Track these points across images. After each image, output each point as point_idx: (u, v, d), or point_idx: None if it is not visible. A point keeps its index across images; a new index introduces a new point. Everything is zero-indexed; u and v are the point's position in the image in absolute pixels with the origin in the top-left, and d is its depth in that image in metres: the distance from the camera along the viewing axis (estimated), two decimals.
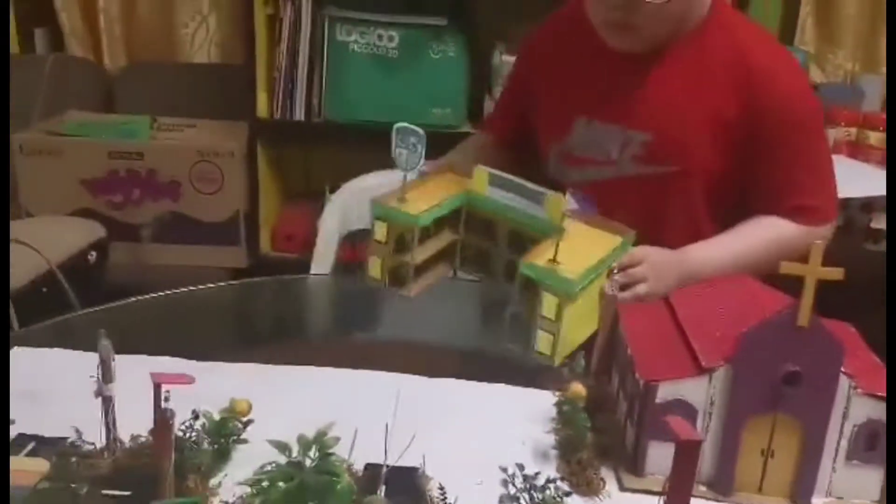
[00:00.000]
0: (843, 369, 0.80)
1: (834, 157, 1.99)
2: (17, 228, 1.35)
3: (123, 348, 0.94)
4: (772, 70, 1.23)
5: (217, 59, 2.38)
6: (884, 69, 2.21)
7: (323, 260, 1.78)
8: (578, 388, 0.87)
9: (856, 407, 0.81)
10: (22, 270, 1.32)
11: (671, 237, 1.23)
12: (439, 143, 2.03)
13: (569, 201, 0.97)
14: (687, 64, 1.25)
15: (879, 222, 1.71)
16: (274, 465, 0.63)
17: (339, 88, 2.04)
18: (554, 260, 0.93)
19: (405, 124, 1.00)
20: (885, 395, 0.81)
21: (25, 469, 0.60)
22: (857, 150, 2.01)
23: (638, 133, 1.27)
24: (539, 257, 0.94)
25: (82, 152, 2.02)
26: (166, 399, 0.67)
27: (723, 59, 1.24)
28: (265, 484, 0.59)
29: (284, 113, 2.04)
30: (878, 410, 0.81)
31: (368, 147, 2.10)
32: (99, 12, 2.33)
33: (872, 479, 0.83)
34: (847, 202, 1.69)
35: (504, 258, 1.07)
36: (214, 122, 2.26)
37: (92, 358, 0.96)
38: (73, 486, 0.68)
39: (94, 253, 1.58)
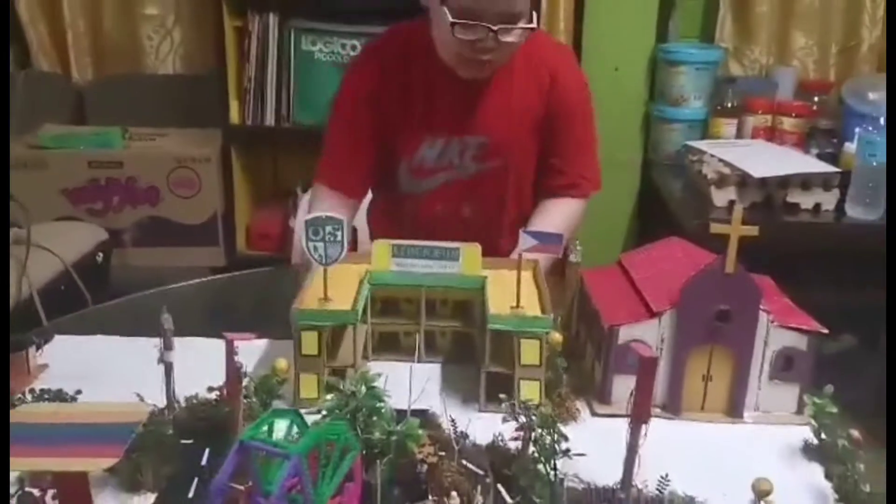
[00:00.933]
0: (762, 307, 1.01)
1: (754, 140, 2.24)
2: (34, 233, 1.46)
3: (139, 333, 1.08)
4: (559, 70, 1.47)
5: (181, 70, 2.49)
6: (794, 61, 2.46)
7: (302, 252, 1.92)
8: (556, 337, 1.05)
9: (773, 336, 1.02)
10: (44, 271, 1.44)
11: (507, 217, 1.50)
12: None
13: (525, 240, 0.98)
14: (506, 75, 1.44)
15: (794, 197, 1.95)
16: (332, 396, 0.79)
17: (307, 95, 2.19)
18: (518, 305, 0.99)
19: (317, 214, 0.94)
20: (795, 326, 1.02)
21: (133, 410, 0.74)
22: (773, 134, 2.26)
23: (475, 138, 1.46)
24: (500, 308, 0.98)
25: (64, 163, 2.13)
26: (236, 352, 0.82)
27: (529, 67, 1.45)
28: (330, 406, 0.76)
29: (256, 119, 2.18)
30: (791, 339, 1.03)
31: None
32: (66, 28, 2.41)
33: (790, 394, 1.04)
34: (766, 180, 1.92)
35: (438, 327, 1.08)
36: (184, 130, 2.38)
37: (121, 341, 1.11)
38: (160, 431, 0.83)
39: (101, 254, 1.70)
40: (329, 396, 0.80)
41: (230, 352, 0.81)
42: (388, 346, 1.12)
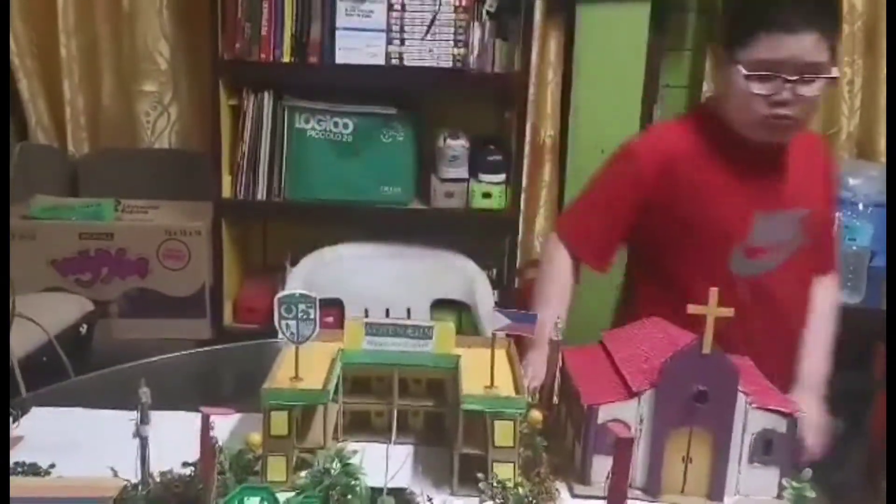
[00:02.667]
0: (739, 388, 1.01)
1: None
2: (19, 303, 1.47)
3: (119, 406, 1.07)
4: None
5: (176, 145, 2.54)
6: None
7: None
8: (535, 415, 1.05)
9: (752, 419, 1.02)
10: (26, 341, 1.44)
11: (804, 294, 1.47)
12: (389, 218, 2.26)
13: (497, 320, 0.98)
14: (798, 141, 1.41)
15: None
16: (305, 474, 0.79)
17: (299, 170, 2.23)
18: (492, 385, 0.99)
19: (288, 292, 0.92)
20: (775, 408, 1.03)
21: (104, 485, 0.74)
22: None
23: (800, 211, 1.41)
24: (474, 388, 0.97)
25: (54, 234, 2.14)
26: (212, 427, 0.82)
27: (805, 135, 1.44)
28: (303, 484, 0.75)
29: (247, 194, 2.21)
30: (770, 421, 1.03)
31: (324, 223, 2.31)
32: (65, 104, 2.47)
33: (771, 477, 1.03)
34: None
35: (410, 407, 1.07)
36: (175, 202, 2.41)
37: (100, 414, 1.10)
38: None
39: (85, 325, 1.70)
40: (302, 473, 0.79)
41: (205, 427, 0.81)
42: (358, 426, 1.10)
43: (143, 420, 0.92)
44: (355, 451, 0.80)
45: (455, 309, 2.28)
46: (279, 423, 0.92)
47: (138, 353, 1.52)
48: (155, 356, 1.50)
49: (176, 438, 0.92)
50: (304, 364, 0.99)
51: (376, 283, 2.25)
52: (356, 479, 0.77)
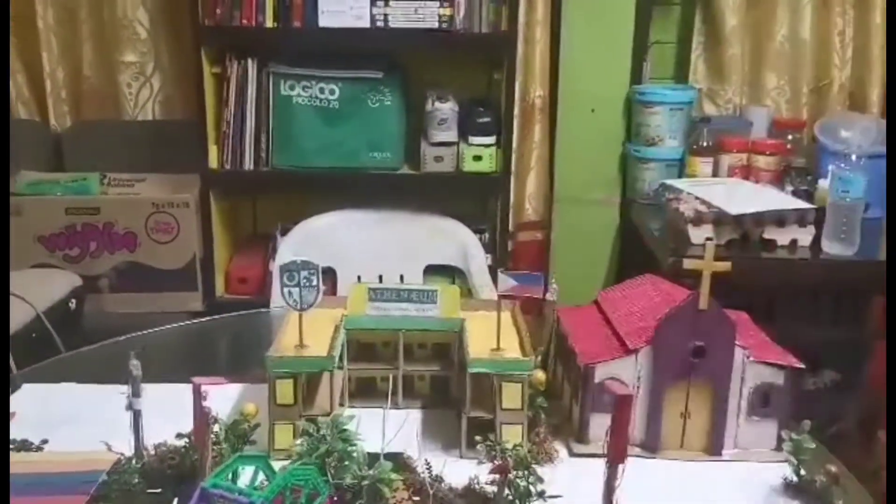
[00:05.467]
0: (737, 342, 1.00)
1: (729, 179, 2.27)
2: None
3: (111, 381, 1.06)
4: None
5: (160, 116, 2.50)
6: (767, 101, 2.51)
7: None
8: (539, 375, 1.03)
9: (750, 372, 1.01)
10: (15, 318, 1.42)
11: None
12: (380, 184, 2.24)
13: (504, 281, 0.97)
14: None
15: (770, 234, 1.96)
16: (301, 441, 0.78)
17: (286, 138, 2.20)
18: (498, 348, 0.98)
19: (291, 259, 0.91)
20: (773, 361, 1.02)
21: (97, 459, 0.72)
22: (748, 172, 2.29)
23: None
24: (480, 351, 0.96)
25: (40, 210, 2.11)
26: (205, 397, 0.81)
27: None
28: (300, 451, 0.74)
29: (234, 164, 2.18)
30: (768, 375, 1.02)
31: (313, 191, 2.29)
32: (45, 78, 2.42)
33: (769, 430, 1.03)
34: (742, 218, 1.94)
35: (416, 372, 1.06)
36: (162, 175, 2.38)
37: (92, 388, 1.09)
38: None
39: (73, 301, 1.68)
40: (298, 441, 0.78)
41: (198, 397, 0.79)
42: (365, 391, 1.10)
43: (135, 393, 0.91)
44: (352, 417, 0.79)
45: (448, 274, 2.27)
46: (285, 391, 0.91)
47: (130, 327, 1.50)
48: (147, 329, 1.48)
49: (170, 410, 0.90)
50: (309, 331, 0.98)
51: (368, 250, 2.23)
52: (353, 444, 0.76)
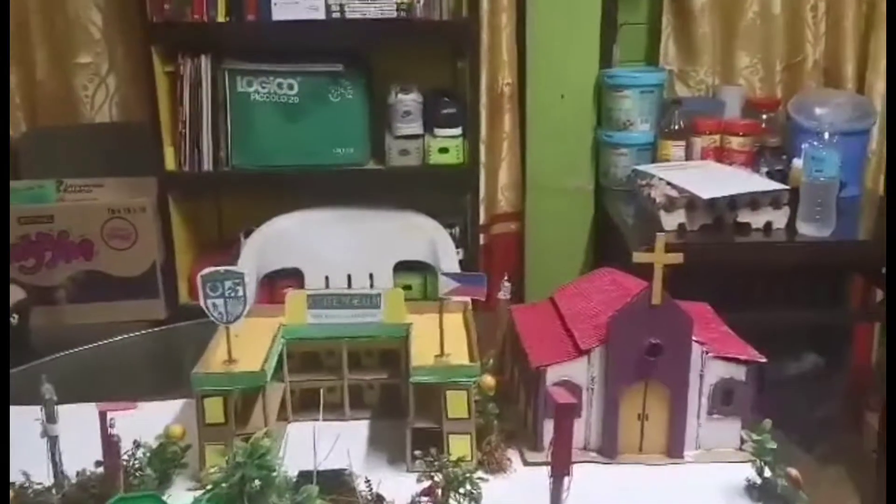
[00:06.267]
0: (695, 338, 0.95)
1: (702, 162, 2.22)
2: None
3: (59, 398, 1.01)
4: None
5: (118, 118, 2.43)
6: (740, 80, 2.45)
7: None
8: (488, 381, 0.97)
9: (709, 368, 0.96)
10: None
11: None
12: (345, 181, 2.18)
13: (445, 284, 0.92)
14: None
15: (744, 217, 1.91)
16: (218, 467, 0.72)
17: (245, 137, 2.13)
18: (442, 354, 0.92)
19: (211, 269, 0.86)
20: (733, 356, 0.97)
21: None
22: (721, 154, 2.23)
23: None
24: (425, 359, 0.91)
25: None
26: (111, 425, 0.75)
27: None
28: (214, 480, 0.68)
29: (192, 165, 2.11)
30: (729, 370, 0.97)
31: (277, 191, 2.22)
32: None
33: (731, 429, 0.98)
34: (715, 202, 1.88)
35: (363, 381, 1.01)
36: (122, 179, 2.30)
37: (27, 411, 1.03)
38: None
39: (15, 315, 1.62)
40: (212, 469, 0.72)
41: (104, 425, 0.73)
42: (310, 404, 1.04)
43: (50, 419, 0.85)
44: (273, 440, 0.73)
45: (420, 271, 2.21)
46: (214, 409, 0.86)
47: (86, 340, 1.44)
48: (93, 343, 1.42)
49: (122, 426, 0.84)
50: (243, 343, 0.93)
51: (335, 250, 2.17)
52: (272, 470, 0.70)
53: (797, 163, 2.03)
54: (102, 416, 0.73)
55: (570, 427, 0.73)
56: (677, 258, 0.92)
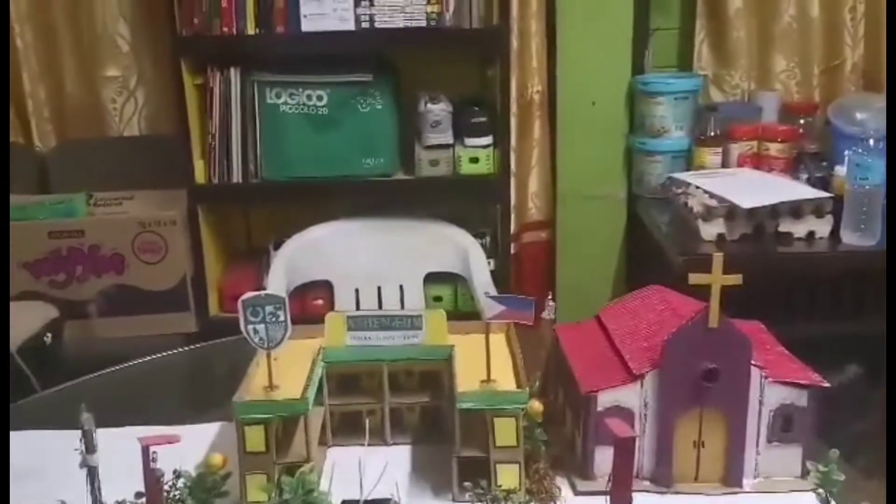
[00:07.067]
0: (753, 362, 0.90)
1: (740, 169, 2.16)
2: None
3: (96, 422, 0.99)
4: None
5: (147, 131, 2.42)
6: (777, 84, 2.40)
7: None
8: (536, 406, 0.93)
9: (769, 394, 0.92)
10: None
11: None
12: (374, 191, 2.16)
13: (490, 307, 0.88)
14: None
15: (785, 226, 1.86)
16: None
17: (274, 149, 2.12)
18: (488, 379, 0.89)
19: (252, 294, 0.85)
20: (793, 381, 0.92)
21: None
22: (759, 161, 2.17)
23: None
24: (469, 384, 0.88)
25: (22, 235, 2.04)
26: (153, 460, 0.72)
27: None
28: None
29: (222, 177, 2.10)
30: (790, 395, 0.92)
31: (307, 202, 2.20)
32: (26, 97, 2.35)
33: (792, 456, 0.94)
34: (755, 211, 1.83)
35: (404, 404, 0.99)
36: (151, 192, 2.30)
37: (64, 435, 1.01)
38: None
39: (49, 334, 1.61)
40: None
41: (146, 459, 0.71)
42: (350, 427, 1.02)
43: (89, 449, 0.83)
44: (320, 473, 0.70)
45: (450, 281, 2.18)
46: (255, 438, 0.83)
47: (119, 354, 1.42)
48: (136, 358, 1.40)
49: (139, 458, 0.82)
50: (282, 367, 0.89)
51: (365, 261, 2.15)
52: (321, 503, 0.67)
53: (839, 170, 1.97)
54: (145, 450, 0.71)
55: (630, 462, 0.70)
56: (736, 279, 0.88)
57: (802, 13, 2.34)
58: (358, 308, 2.10)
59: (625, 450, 0.69)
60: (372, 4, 2.02)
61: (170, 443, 0.74)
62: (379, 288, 2.15)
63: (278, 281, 2.02)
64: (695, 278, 0.88)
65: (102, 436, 0.91)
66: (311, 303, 2.13)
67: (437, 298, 2.17)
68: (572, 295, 2.39)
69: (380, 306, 2.12)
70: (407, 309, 1.00)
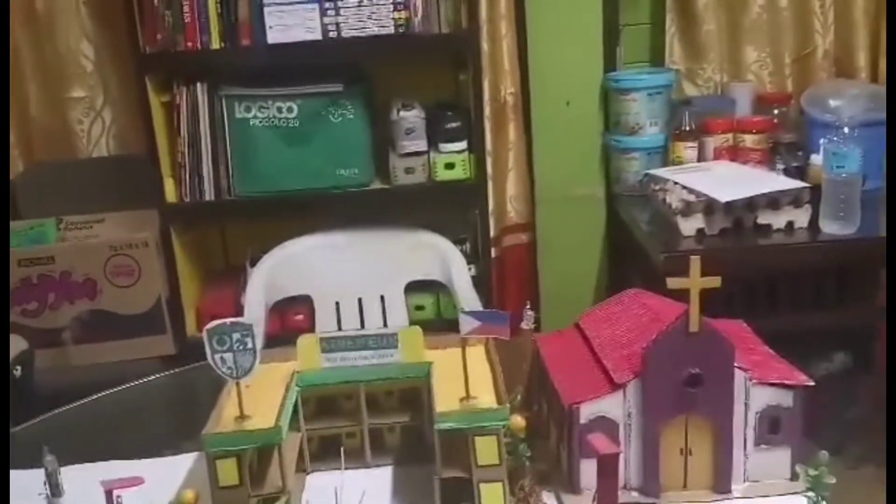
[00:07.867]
0: (737, 364, 0.88)
1: (716, 163, 2.15)
2: None
3: (66, 458, 0.95)
4: None
5: (116, 151, 2.38)
6: (749, 76, 2.39)
7: None
8: (518, 422, 0.90)
9: (754, 396, 0.90)
10: None
11: None
12: (351, 202, 2.12)
13: (466, 323, 0.86)
14: None
15: (764, 218, 1.85)
16: None
17: (246, 164, 2.08)
18: (468, 397, 0.87)
19: (217, 322, 0.81)
20: (778, 381, 0.90)
21: None
22: (735, 153, 2.17)
23: None
24: (449, 402, 0.86)
25: None
26: (118, 503, 0.69)
27: None
28: None
29: (194, 195, 2.06)
30: (775, 396, 0.90)
31: (282, 217, 2.16)
32: None
33: (781, 459, 0.92)
34: (733, 204, 1.82)
35: (384, 425, 0.97)
36: (123, 213, 2.26)
37: (30, 475, 0.97)
38: None
39: (18, 367, 1.57)
40: None
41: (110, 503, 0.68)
42: (329, 452, 0.99)
43: (54, 492, 0.79)
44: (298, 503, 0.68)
45: (432, 290, 2.15)
46: (228, 472, 0.79)
47: (94, 380, 1.38)
48: (112, 385, 1.37)
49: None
50: (255, 395, 0.86)
51: (345, 273, 2.11)
52: None
53: (815, 158, 1.97)
54: (108, 494, 0.68)
55: (615, 478, 0.68)
56: (714, 282, 0.86)
57: (771, 3, 2.33)
58: (339, 322, 2.07)
59: (608, 467, 0.67)
60: (338, 13, 1.99)
61: (133, 485, 0.70)
62: (360, 300, 2.11)
63: (257, 298, 1.99)
64: (673, 283, 0.86)
65: (72, 472, 0.88)
66: (291, 318, 2.09)
67: (420, 307, 2.14)
68: (555, 296, 2.37)
69: (361, 319, 2.09)
70: (381, 327, 0.96)
